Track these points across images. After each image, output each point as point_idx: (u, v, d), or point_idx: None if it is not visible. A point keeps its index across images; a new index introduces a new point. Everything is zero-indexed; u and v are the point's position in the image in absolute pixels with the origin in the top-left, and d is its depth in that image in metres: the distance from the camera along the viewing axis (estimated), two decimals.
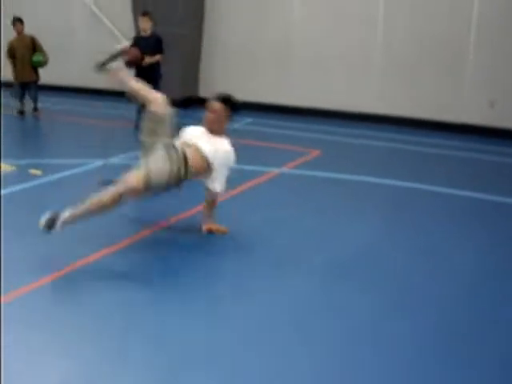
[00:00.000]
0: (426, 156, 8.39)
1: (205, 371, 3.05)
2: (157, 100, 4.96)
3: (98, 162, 7.23)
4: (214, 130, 4.93)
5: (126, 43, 5.40)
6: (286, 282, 4.14)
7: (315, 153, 8.10)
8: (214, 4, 11.90)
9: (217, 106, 4.96)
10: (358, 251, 4.74)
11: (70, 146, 8.37)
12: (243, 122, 10.25)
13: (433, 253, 4.76)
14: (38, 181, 6.46)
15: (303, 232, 5.15)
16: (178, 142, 4.86)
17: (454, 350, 3.31)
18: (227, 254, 4.66)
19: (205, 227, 4.98)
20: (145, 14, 9.40)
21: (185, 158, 4.67)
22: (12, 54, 10.73)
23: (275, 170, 7.09)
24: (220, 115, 4.94)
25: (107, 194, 4.42)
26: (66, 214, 4.34)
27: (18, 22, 10.71)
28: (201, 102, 11.87)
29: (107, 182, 4.68)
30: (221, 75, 12.11)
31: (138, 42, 9.29)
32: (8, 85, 11.29)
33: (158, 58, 9.26)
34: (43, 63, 10.72)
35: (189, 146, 4.80)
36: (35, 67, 10.73)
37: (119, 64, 5.44)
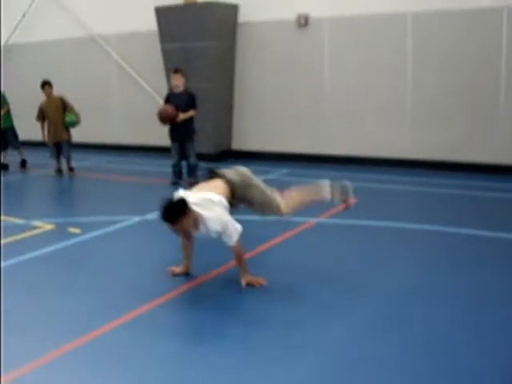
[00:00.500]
0: (462, 199, 8.25)
1: None
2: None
3: (136, 219, 7.29)
4: None
5: None
6: (332, 335, 4.05)
7: (350, 200, 8.01)
8: (244, 58, 12.10)
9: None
10: (399, 301, 4.62)
11: (106, 204, 8.46)
12: (278, 172, 10.27)
13: (478, 304, 4.61)
14: (77, 239, 6.52)
15: (344, 282, 5.05)
16: None
17: None
18: (271, 305, 4.59)
19: (243, 281, 4.95)
20: (177, 70, 9.58)
21: None
22: (42, 116, 11.01)
23: (312, 220, 7.04)
24: None
25: None
26: None
27: (47, 85, 11.00)
28: (234, 155, 12.09)
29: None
30: (253, 128, 12.23)
31: (172, 98, 9.45)
32: (31, 143, 11.62)
33: (191, 113, 9.39)
34: (76, 123, 10.96)
35: None
36: (67, 127, 10.98)
37: None
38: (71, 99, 11.21)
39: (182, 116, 9.22)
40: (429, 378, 3.49)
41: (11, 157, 11.87)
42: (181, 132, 9.38)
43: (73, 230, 6.85)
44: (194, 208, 4.63)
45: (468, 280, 5.04)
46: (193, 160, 9.49)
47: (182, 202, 4.60)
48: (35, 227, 7.04)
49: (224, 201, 4.87)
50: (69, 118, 10.85)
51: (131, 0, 13.20)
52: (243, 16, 12.01)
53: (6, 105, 11.84)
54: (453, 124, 10.17)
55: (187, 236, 4.94)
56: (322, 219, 7.12)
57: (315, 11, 11.21)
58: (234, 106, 12.37)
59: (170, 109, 9.18)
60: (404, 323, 4.22)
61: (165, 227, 4.66)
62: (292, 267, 5.45)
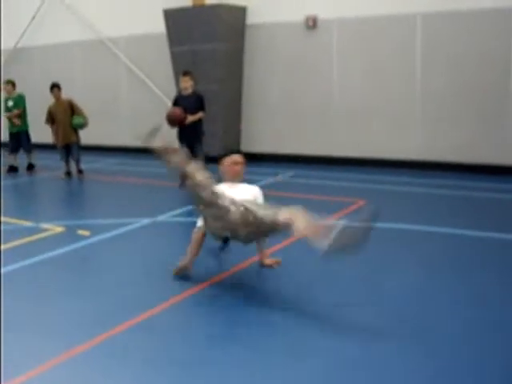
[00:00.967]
0: (470, 200, 8.21)
1: None
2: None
3: (145, 221, 7.30)
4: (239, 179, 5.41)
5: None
6: (338, 342, 4.05)
7: (360, 202, 8.02)
8: (252, 60, 12.11)
9: (240, 158, 5.49)
10: (404, 306, 4.61)
11: (116, 206, 8.48)
12: (286, 174, 10.27)
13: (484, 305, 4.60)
14: (87, 241, 6.54)
15: (350, 286, 5.04)
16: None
17: None
18: (279, 310, 4.59)
19: (265, 262, 5.43)
20: (186, 73, 9.59)
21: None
22: (51, 119, 11.07)
23: None
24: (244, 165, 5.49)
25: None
26: None
27: (55, 87, 11.06)
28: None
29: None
30: (261, 130, 12.24)
31: (180, 100, 9.46)
32: (41, 146, 11.68)
33: (199, 115, 9.40)
34: (84, 125, 11.01)
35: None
36: (76, 129, 11.03)
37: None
38: (80, 102, 11.26)
39: (190, 118, 9.24)
40: (430, 379, 3.49)
41: (20, 160, 11.92)
42: (189, 134, 9.39)
43: (82, 232, 6.87)
44: None
45: (477, 282, 5.03)
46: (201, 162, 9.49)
47: None
48: (45, 230, 7.06)
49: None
50: (77, 119, 10.90)
51: (140, 3, 13.26)
52: (251, 18, 12.02)
53: (22, 107, 11.89)
54: (462, 125, 10.15)
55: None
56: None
57: (323, 13, 11.21)
58: (242, 107, 12.38)
59: (178, 111, 9.19)
60: (406, 325, 4.22)
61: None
62: (296, 272, 5.44)
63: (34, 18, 15.08)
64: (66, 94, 11.20)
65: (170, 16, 12.06)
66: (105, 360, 3.82)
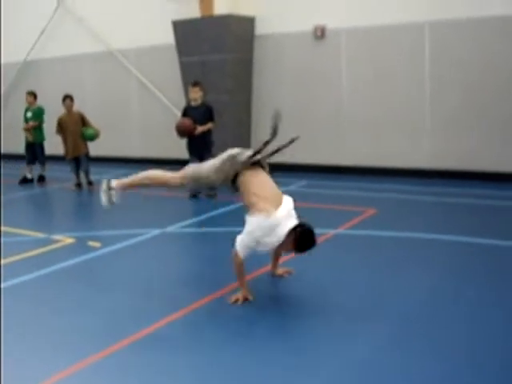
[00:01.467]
0: (482, 209, 8.17)
1: None
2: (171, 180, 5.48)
3: (155, 232, 7.31)
4: None
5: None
6: (352, 345, 4.03)
7: (371, 212, 8.00)
8: (261, 70, 12.13)
9: None
10: (420, 314, 4.59)
11: (126, 217, 8.49)
12: (297, 184, 10.26)
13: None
14: (97, 252, 6.56)
15: (360, 294, 5.03)
16: None
17: None
18: (287, 317, 4.58)
19: (277, 272, 5.46)
20: (195, 84, 9.63)
21: None
22: (61, 129, 11.09)
23: (331, 231, 7.01)
24: None
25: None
26: None
27: (68, 98, 11.12)
28: None
29: None
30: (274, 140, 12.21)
31: (189, 111, 9.49)
32: (52, 157, 11.74)
33: (209, 126, 9.43)
34: (95, 137, 11.04)
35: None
36: (85, 141, 11.07)
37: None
38: (90, 114, 11.34)
39: (199, 129, 9.26)
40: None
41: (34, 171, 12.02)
42: (199, 145, 9.42)
43: (93, 243, 6.89)
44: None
45: (487, 290, 5.00)
46: None
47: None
48: (56, 241, 7.09)
49: None
50: (89, 131, 10.92)
51: (149, 14, 13.33)
52: (260, 28, 12.06)
53: (39, 120, 11.99)
54: (471, 134, 10.11)
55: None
56: (340, 230, 7.09)
57: (332, 23, 11.23)
58: (251, 118, 12.40)
59: (187, 122, 9.22)
60: (424, 335, 4.20)
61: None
62: (307, 279, 5.44)
63: (43, 31, 15.20)
64: (76, 106, 11.25)
65: (179, 27, 12.12)
66: (112, 374, 3.81)
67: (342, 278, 5.48)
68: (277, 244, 4.78)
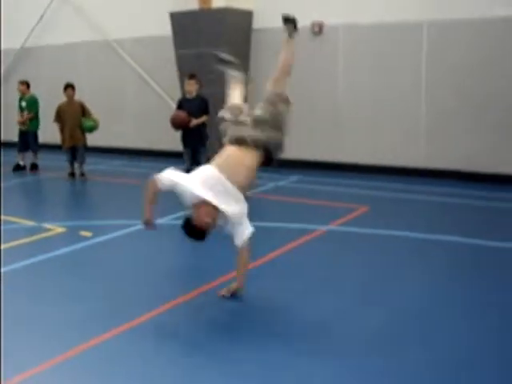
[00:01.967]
0: (476, 209, 8.20)
1: None
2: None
3: None
4: None
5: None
6: (342, 345, 4.05)
7: (363, 209, 8.02)
8: (258, 64, 12.12)
9: None
10: (409, 315, 4.61)
11: (118, 208, 8.50)
12: (289, 180, 10.28)
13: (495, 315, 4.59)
14: (88, 242, 6.56)
15: (350, 291, 5.05)
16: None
17: None
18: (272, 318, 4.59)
19: (227, 291, 4.86)
20: (191, 76, 9.60)
21: None
22: (60, 117, 11.05)
23: (322, 228, 7.03)
24: None
25: None
26: None
27: (69, 87, 11.08)
28: None
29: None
30: None
31: (184, 104, 9.48)
32: (47, 146, 11.72)
33: (204, 119, 9.42)
34: (94, 129, 11.01)
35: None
36: (83, 131, 11.04)
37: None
38: (85, 103, 11.27)
39: (194, 122, 9.25)
40: None
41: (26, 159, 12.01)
42: (193, 138, 9.41)
43: (84, 233, 6.89)
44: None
45: (477, 289, 5.03)
46: None
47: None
48: (47, 230, 7.09)
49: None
50: (88, 122, 10.89)
51: (146, 5, 13.29)
52: (257, 22, 12.04)
53: (34, 110, 11.95)
54: (468, 133, 10.13)
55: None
56: (331, 227, 7.11)
57: (330, 19, 11.22)
58: None
59: (182, 114, 9.21)
60: (413, 337, 4.22)
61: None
62: (300, 276, 5.45)
63: (41, 18, 15.14)
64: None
65: (177, 19, 12.08)
66: (99, 364, 3.82)
67: (332, 274, 5.50)
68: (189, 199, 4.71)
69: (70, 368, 3.75)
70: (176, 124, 9.24)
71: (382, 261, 5.87)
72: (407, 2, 10.46)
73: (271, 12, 11.83)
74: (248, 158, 4.80)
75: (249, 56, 12.14)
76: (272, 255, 5.85)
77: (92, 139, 11.57)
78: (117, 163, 12.82)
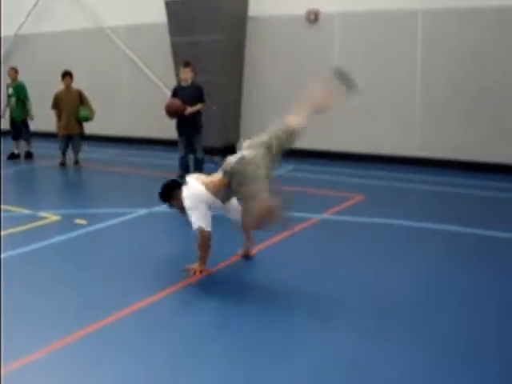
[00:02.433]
0: (470, 198, 8.22)
1: None
2: None
3: (142, 211, 7.31)
4: None
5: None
6: (334, 336, 4.07)
7: (358, 198, 8.03)
8: (252, 52, 12.08)
9: None
10: (405, 302, 4.63)
11: (113, 196, 8.49)
12: (286, 168, 10.27)
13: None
14: (83, 230, 6.55)
15: (345, 280, 5.06)
16: None
17: None
18: (269, 303, 4.61)
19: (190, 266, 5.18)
20: (187, 64, 9.55)
21: None
22: (57, 105, 11.00)
23: (317, 217, 7.04)
24: None
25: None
26: None
27: (67, 75, 11.00)
28: None
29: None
30: (261, 122, 12.17)
31: (179, 92, 9.44)
32: (42, 134, 11.66)
33: (199, 107, 9.38)
34: (90, 119, 10.96)
35: None
36: (79, 121, 10.99)
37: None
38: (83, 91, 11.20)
39: (189, 110, 9.23)
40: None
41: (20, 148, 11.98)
42: (188, 126, 9.38)
43: (79, 221, 6.88)
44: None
45: (475, 279, 5.05)
46: (200, 154, 9.49)
47: (172, 184, 5.30)
48: (42, 218, 7.07)
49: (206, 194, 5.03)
50: (83, 112, 10.84)
51: None
52: (253, 10, 11.99)
53: (22, 96, 11.88)
54: (463, 123, 10.14)
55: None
56: (326, 216, 7.12)
57: (325, 7, 11.18)
58: (242, 100, 12.37)
59: (177, 102, 9.19)
60: (409, 321, 4.24)
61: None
62: (291, 264, 5.46)
63: (36, 4, 15.04)
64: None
65: (172, 6, 12.02)
66: (97, 349, 3.84)
67: (326, 263, 5.51)
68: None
69: (68, 354, 3.76)
70: (171, 112, 9.22)
71: (379, 248, 5.89)
72: None
73: (267, 0, 11.80)
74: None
75: (244, 44, 12.10)
76: (268, 243, 5.86)
77: (86, 127, 11.52)
78: (111, 151, 12.79)
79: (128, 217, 7.08)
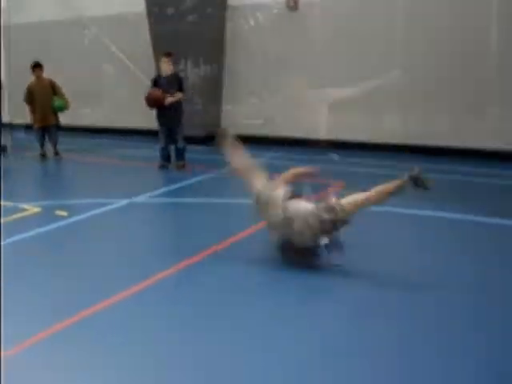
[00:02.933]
0: (455, 184, 8.26)
1: None
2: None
3: (122, 202, 7.27)
4: None
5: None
6: (331, 319, 4.09)
7: (339, 185, 8.04)
8: (234, 41, 12.03)
9: None
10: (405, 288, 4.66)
11: (94, 187, 8.43)
12: (268, 156, 10.26)
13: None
14: (64, 221, 6.51)
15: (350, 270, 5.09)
16: None
17: None
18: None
19: None
20: (168, 54, 9.48)
21: None
22: (31, 98, 10.85)
23: None
24: None
25: None
26: None
27: (37, 67, 10.85)
28: None
29: None
30: (243, 111, 12.19)
31: (159, 81, 9.38)
32: (25, 127, 11.55)
33: (179, 96, 9.34)
34: (64, 108, 10.85)
35: None
36: (55, 111, 10.88)
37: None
38: (58, 81, 11.10)
39: (169, 99, 9.18)
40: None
41: None
42: (169, 116, 9.33)
43: (60, 212, 6.83)
44: None
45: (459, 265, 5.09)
46: (181, 144, 9.45)
47: None
48: (22, 210, 7.01)
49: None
50: (58, 102, 10.73)
51: None
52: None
53: None
54: (442, 108, 10.19)
55: None
56: None
57: None
58: (223, 88, 12.32)
59: (157, 92, 9.15)
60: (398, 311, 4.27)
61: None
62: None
63: None
64: (45, 75, 11.01)
65: None
66: (82, 339, 3.83)
67: None
68: None
69: (54, 343, 3.76)
70: (150, 101, 9.18)
71: (367, 233, 5.90)
72: None
73: None
74: None
75: (224, 33, 12.02)
76: (254, 230, 5.87)
77: (65, 118, 11.43)
78: (91, 142, 12.70)
79: (109, 207, 7.05)
